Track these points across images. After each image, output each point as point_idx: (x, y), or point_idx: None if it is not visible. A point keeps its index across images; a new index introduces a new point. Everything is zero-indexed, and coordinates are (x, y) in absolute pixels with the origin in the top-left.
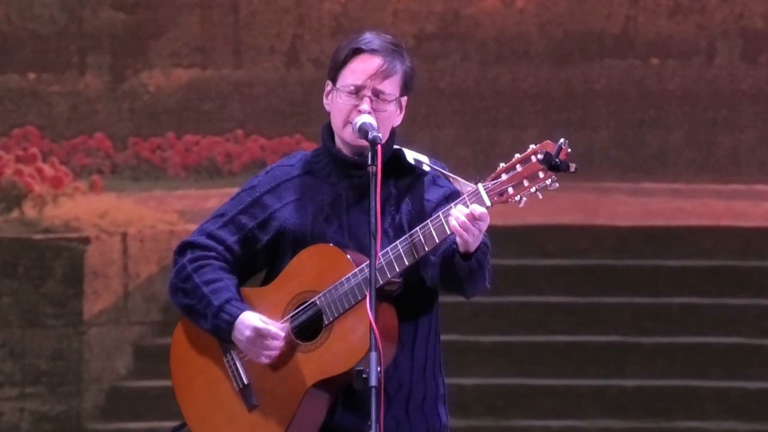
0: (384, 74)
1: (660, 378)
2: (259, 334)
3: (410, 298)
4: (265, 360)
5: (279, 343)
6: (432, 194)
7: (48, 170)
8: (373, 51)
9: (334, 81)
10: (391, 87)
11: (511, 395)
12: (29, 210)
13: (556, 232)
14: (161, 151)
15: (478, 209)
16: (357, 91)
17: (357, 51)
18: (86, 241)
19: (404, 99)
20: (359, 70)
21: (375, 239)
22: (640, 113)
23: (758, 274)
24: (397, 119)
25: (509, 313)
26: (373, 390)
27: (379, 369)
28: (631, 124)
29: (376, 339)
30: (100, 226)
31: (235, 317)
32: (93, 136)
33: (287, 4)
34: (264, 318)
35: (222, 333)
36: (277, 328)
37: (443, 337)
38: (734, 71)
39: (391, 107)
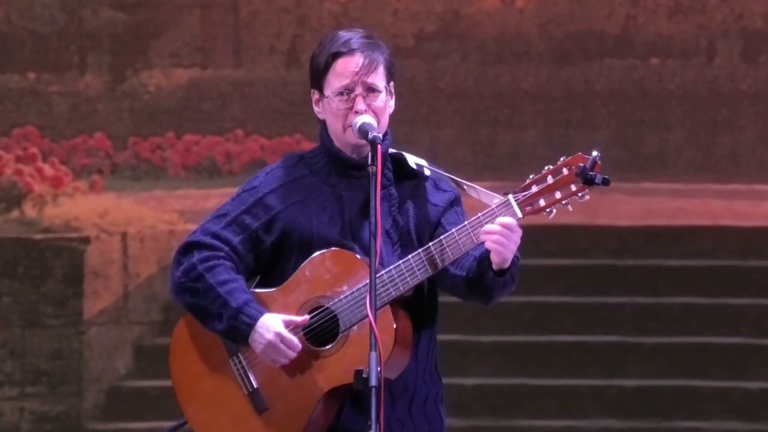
0: (368, 69)
1: (660, 378)
2: (282, 341)
3: (416, 303)
4: (280, 362)
5: (293, 354)
6: (437, 198)
7: (48, 170)
8: (351, 51)
9: (320, 89)
10: (378, 78)
11: (511, 395)
12: (29, 210)
13: (556, 232)
14: (161, 150)
15: (512, 220)
16: (348, 92)
17: (336, 55)
18: (86, 241)
19: (392, 84)
20: (344, 72)
21: (375, 239)
22: (640, 113)
23: (758, 274)
24: (391, 106)
25: (510, 313)
26: (373, 390)
27: (379, 369)
28: (631, 124)
29: (376, 339)
30: (100, 226)
31: (256, 320)
32: (93, 136)
33: (287, 4)
34: (285, 319)
35: (239, 335)
36: (296, 338)
37: (444, 337)
38: (734, 71)
39: (383, 97)
